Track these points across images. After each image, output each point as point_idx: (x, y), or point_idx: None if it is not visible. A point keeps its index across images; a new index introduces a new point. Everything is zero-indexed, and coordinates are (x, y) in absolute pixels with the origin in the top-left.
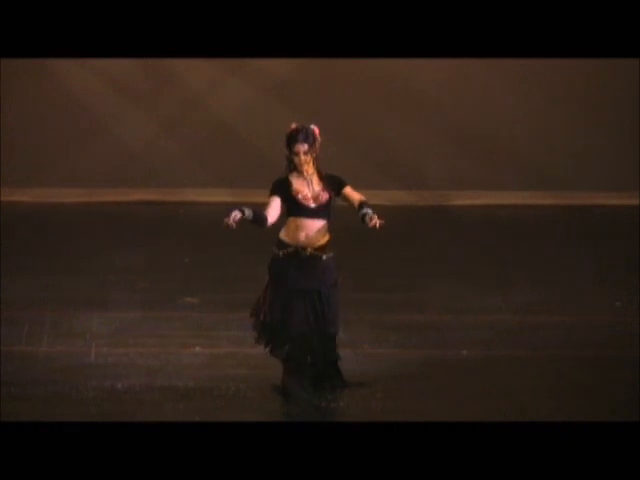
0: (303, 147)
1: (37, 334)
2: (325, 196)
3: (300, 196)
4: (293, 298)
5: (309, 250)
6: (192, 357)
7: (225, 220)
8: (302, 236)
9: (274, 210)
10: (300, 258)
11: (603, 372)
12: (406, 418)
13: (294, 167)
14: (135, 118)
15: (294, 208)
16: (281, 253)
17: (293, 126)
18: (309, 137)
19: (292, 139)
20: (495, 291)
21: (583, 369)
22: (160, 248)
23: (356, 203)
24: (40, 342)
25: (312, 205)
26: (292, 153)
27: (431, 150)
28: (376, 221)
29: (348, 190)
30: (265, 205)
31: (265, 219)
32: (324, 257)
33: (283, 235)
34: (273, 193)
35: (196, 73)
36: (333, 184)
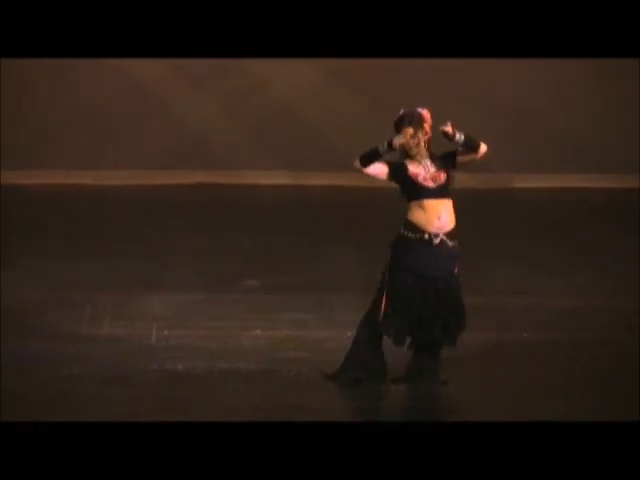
0: (409, 131)
1: (99, 316)
2: (443, 176)
3: (420, 178)
4: (415, 283)
5: (441, 237)
6: (253, 339)
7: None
8: (435, 220)
9: (379, 166)
10: (429, 244)
11: None
12: (467, 400)
13: (406, 153)
14: (196, 100)
15: (414, 190)
16: (413, 237)
17: (401, 112)
18: (414, 120)
19: (399, 124)
20: (557, 274)
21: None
22: (221, 230)
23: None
24: (102, 324)
25: (432, 185)
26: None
27: (493, 133)
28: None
29: (461, 151)
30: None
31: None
32: (451, 244)
33: (415, 220)
34: (386, 162)
35: None
36: (446, 161)
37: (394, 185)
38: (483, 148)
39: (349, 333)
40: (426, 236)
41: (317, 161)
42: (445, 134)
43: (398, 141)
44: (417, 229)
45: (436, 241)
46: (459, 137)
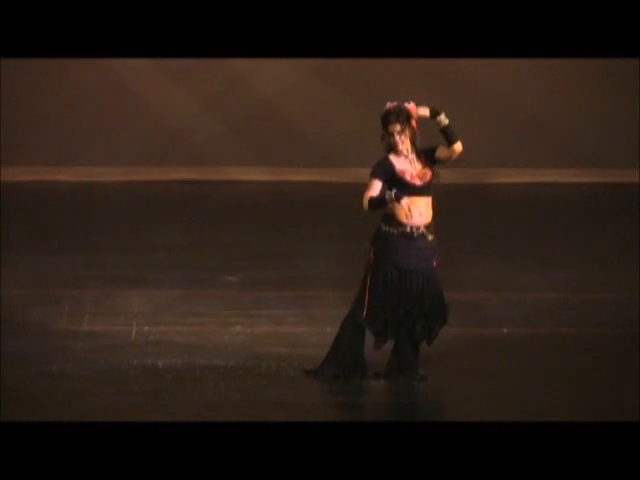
0: (396, 127)
1: (78, 313)
2: (429, 173)
3: (407, 176)
4: (398, 277)
5: (421, 230)
6: (232, 336)
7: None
8: (417, 215)
9: (378, 187)
10: (411, 238)
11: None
12: (448, 396)
13: (391, 147)
14: (177, 97)
15: (401, 188)
16: (394, 232)
17: (387, 106)
18: (401, 116)
19: (385, 120)
20: (535, 268)
21: (623, 348)
22: (200, 227)
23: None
24: (81, 321)
25: (419, 183)
26: (387, 134)
27: (472, 128)
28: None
29: (440, 148)
30: (367, 187)
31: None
32: (429, 237)
33: (398, 215)
34: (376, 176)
35: None
36: (428, 157)
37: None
38: (459, 146)
39: (329, 329)
40: (407, 229)
41: (297, 157)
42: (431, 111)
43: (385, 141)
44: (399, 224)
45: (417, 234)
46: (443, 118)
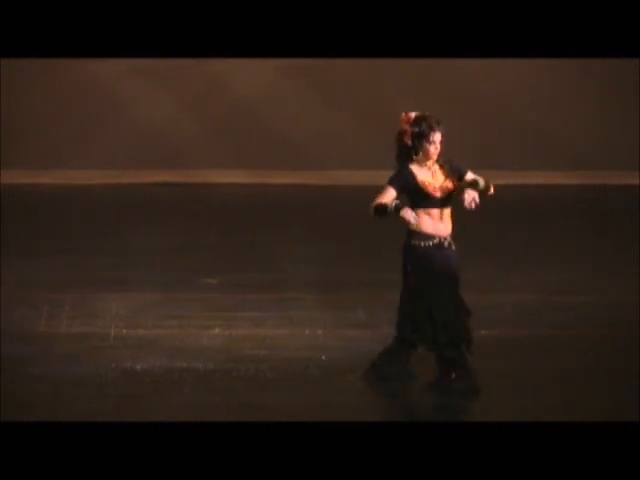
0: (438, 136)
1: (57, 315)
2: (450, 185)
3: (430, 188)
4: (442, 286)
5: (448, 239)
6: (211, 338)
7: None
8: (441, 226)
9: (388, 201)
10: (442, 248)
11: (627, 354)
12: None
13: (419, 156)
14: (156, 100)
15: (422, 200)
16: (428, 244)
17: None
18: (441, 125)
19: (428, 127)
20: (520, 271)
21: (606, 350)
22: (180, 230)
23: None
24: (60, 323)
25: (440, 195)
26: (427, 142)
27: (460, 130)
28: (471, 201)
29: (468, 176)
30: (379, 194)
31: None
32: (453, 247)
33: (422, 228)
34: (392, 184)
35: None
36: (453, 170)
37: (357, 184)
38: (492, 189)
39: (307, 331)
40: (436, 240)
41: (278, 160)
42: (472, 182)
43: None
44: (427, 236)
45: (446, 243)
46: (481, 182)
